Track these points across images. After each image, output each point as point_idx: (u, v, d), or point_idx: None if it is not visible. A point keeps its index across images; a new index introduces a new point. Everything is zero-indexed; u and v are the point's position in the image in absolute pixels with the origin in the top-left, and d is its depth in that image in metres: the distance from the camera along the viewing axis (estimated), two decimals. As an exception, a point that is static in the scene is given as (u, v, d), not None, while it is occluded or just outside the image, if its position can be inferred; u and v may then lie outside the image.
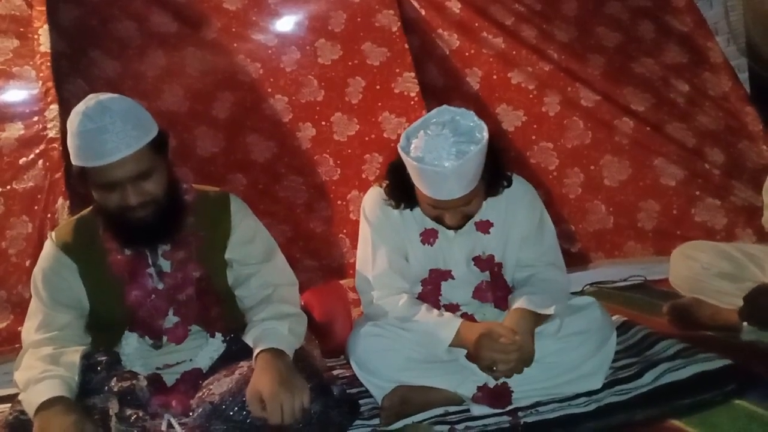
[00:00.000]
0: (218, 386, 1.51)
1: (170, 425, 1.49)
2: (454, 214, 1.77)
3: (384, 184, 1.90)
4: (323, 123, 3.07)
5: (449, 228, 1.82)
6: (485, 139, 1.68)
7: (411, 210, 1.87)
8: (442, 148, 1.65)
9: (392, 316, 1.79)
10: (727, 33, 3.57)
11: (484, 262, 1.88)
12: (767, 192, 2.22)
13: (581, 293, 2.66)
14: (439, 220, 1.81)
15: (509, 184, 1.88)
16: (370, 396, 1.81)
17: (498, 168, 1.82)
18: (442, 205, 1.74)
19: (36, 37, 2.81)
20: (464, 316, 1.83)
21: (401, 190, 1.83)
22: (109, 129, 1.49)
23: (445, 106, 1.76)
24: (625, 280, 2.89)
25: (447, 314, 1.80)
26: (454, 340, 1.72)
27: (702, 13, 3.38)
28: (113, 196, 1.54)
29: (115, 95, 1.59)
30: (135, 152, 1.51)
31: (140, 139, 1.53)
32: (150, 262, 1.65)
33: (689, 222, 2.96)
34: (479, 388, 1.74)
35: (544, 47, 3.17)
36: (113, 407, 1.48)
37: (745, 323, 2.05)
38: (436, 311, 1.80)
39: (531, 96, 3.13)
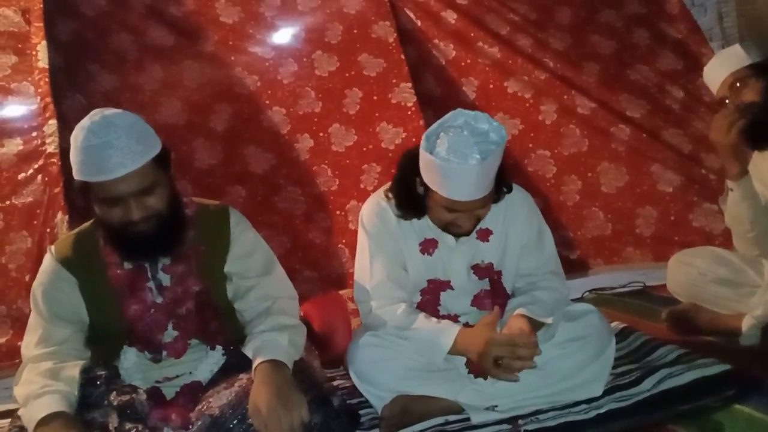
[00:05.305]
0: (218, 399, 1.50)
1: (170, 439, 1.49)
2: (469, 218, 1.78)
3: (389, 196, 1.90)
4: (321, 134, 3.09)
5: (460, 234, 1.83)
6: (504, 138, 1.70)
7: (419, 219, 1.87)
8: (465, 147, 1.67)
9: (390, 326, 1.79)
10: (721, 39, 3.59)
11: (483, 270, 1.89)
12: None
13: (581, 300, 2.66)
14: (451, 225, 1.81)
15: (510, 191, 1.89)
16: (370, 406, 1.81)
17: (502, 173, 1.83)
18: (460, 207, 1.74)
19: (34, 53, 2.83)
20: (464, 326, 1.81)
21: (409, 201, 1.84)
22: (114, 144, 1.49)
23: (459, 110, 1.77)
24: (624, 286, 2.89)
25: (445, 321, 1.80)
26: (453, 348, 1.72)
27: (696, 20, 3.40)
28: (116, 211, 1.54)
29: (120, 111, 1.59)
30: (139, 168, 1.52)
31: (144, 155, 1.53)
32: (150, 276, 1.65)
33: (687, 227, 2.97)
34: (469, 361, 1.74)
35: (540, 56, 3.19)
36: (113, 421, 1.48)
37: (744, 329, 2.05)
38: (434, 319, 1.80)
39: (527, 104, 3.15)
